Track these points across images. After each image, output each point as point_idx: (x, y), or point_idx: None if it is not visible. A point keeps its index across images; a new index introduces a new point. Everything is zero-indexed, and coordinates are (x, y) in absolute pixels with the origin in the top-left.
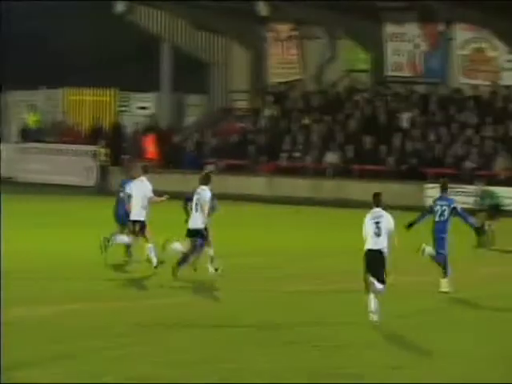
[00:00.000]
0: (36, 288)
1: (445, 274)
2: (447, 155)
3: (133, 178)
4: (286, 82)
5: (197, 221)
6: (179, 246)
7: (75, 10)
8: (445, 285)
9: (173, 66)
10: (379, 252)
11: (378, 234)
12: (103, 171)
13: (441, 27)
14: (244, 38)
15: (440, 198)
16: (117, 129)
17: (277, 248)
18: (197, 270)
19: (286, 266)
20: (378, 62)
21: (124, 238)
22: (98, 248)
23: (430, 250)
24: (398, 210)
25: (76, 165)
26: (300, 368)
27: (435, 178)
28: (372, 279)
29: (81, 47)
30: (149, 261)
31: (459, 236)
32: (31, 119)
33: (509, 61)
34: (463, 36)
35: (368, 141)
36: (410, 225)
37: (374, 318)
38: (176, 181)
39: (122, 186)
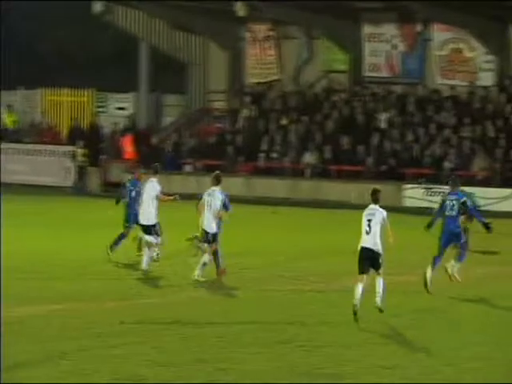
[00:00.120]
0: (20, 288)
1: (460, 260)
2: (425, 155)
3: (138, 178)
4: (263, 83)
5: (210, 222)
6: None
7: (53, 10)
8: (454, 268)
9: (151, 67)
10: (370, 250)
11: (368, 232)
12: (81, 172)
13: (418, 28)
14: (222, 38)
15: (451, 193)
16: (94, 129)
17: (254, 249)
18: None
19: (265, 267)
20: (356, 63)
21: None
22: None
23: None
24: None
25: (54, 165)
26: (284, 367)
27: (413, 179)
28: (360, 277)
29: (59, 48)
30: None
31: None
32: (9, 120)
33: (486, 61)
34: (441, 36)
35: (346, 141)
36: (429, 225)
37: (378, 301)
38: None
39: (133, 185)
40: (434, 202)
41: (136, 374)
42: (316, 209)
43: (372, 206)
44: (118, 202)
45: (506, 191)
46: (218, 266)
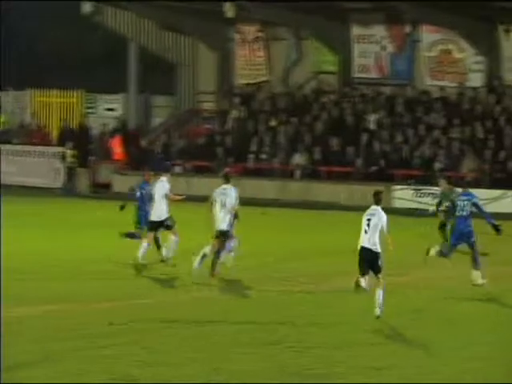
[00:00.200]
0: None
1: (476, 266)
2: (414, 157)
3: (147, 180)
4: (252, 84)
5: (224, 221)
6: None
7: (42, 11)
8: (477, 277)
9: (140, 67)
10: (369, 250)
11: (366, 231)
12: (70, 173)
13: (407, 29)
14: (211, 39)
15: (463, 194)
16: (84, 130)
17: (244, 250)
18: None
19: (254, 268)
20: (345, 64)
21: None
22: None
23: (436, 249)
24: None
25: (43, 166)
26: (274, 368)
27: (403, 180)
28: (360, 279)
29: (48, 48)
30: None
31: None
32: None
33: (476, 62)
34: (430, 38)
35: (335, 142)
36: (443, 225)
37: (378, 312)
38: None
39: (141, 187)
40: (423, 203)
41: (127, 374)
42: (305, 210)
43: (374, 206)
44: (122, 208)
45: (495, 192)
46: (213, 265)
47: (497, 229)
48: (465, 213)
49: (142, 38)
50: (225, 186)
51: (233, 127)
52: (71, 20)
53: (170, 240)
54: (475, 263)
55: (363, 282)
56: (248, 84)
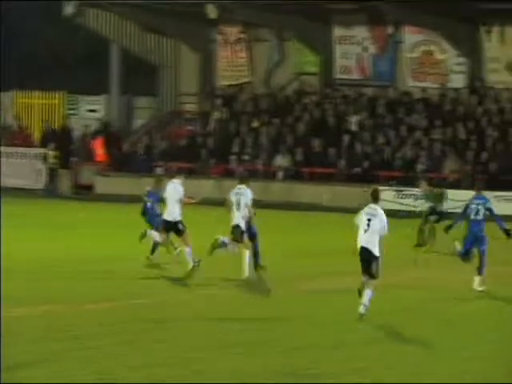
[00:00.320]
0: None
1: (480, 272)
2: (396, 158)
3: (158, 188)
4: (235, 85)
5: (239, 220)
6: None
7: (24, 12)
8: (480, 282)
9: (122, 69)
10: (367, 250)
11: (366, 230)
12: (52, 174)
13: (389, 30)
14: (193, 40)
15: (476, 197)
16: (65, 132)
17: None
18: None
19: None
20: (327, 65)
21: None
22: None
23: (458, 246)
24: (348, 213)
25: (25, 168)
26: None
27: (385, 181)
28: (364, 279)
29: (30, 50)
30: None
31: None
32: None
33: (458, 64)
34: (412, 39)
35: (317, 144)
36: (449, 227)
37: (362, 310)
38: (127, 184)
39: (149, 196)
40: (405, 204)
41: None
42: (288, 211)
43: (372, 205)
44: (144, 213)
45: None
46: (257, 262)
47: (508, 233)
48: (479, 217)
49: (124, 39)
50: (240, 186)
51: (215, 128)
52: (54, 21)
53: (183, 252)
54: (481, 269)
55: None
56: (230, 85)
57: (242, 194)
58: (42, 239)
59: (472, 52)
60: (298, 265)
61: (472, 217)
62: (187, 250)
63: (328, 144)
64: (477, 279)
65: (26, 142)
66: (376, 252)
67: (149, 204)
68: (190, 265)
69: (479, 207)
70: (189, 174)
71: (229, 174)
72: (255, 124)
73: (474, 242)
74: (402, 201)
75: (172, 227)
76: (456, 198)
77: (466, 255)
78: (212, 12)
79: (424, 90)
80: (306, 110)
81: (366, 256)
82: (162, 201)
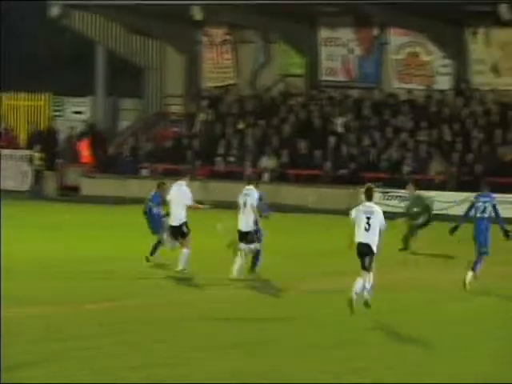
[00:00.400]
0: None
1: (475, 269)
2: (382, 159)
3: (162, 192)
4: (220, 87)
5: (247, 222)
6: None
7: (9, 13)
8: (470, 277)
9: (107, 70)
10: (368, 245)
11: (367, 229)
12: (38, 176)
13: (375, 32)
14: (179, 42)
15: (482, 195)
16: (51, 133)
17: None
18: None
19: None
20: (313, 67)
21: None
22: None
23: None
24: (333, 215)
25: (11, 169)
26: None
27: (370, 183)
28: (360, 278)
29: (16, 51)
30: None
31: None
32: None
33: (443, 65)
34: (397, 40)
35: (303, 145)
36: (455, 228)
37: (352, 295)
38: (112, 185)
39: (153, 200)
40: (391, 205)
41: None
42: (274, 213)
43: (367, 203)
44: (146, 213)
45: (462, 195)
46: (254, 264)
47: (507, 234)
48: (486, 214)
49: (109, 41)
50: (248, 187)
51: (200, 130)
52: (40, 23)
53: (181, 253)
54: (475, 266)
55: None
56: (216, 87)
57: (249, 195)
58: (31, 240)
59: (458, 54)
60: (284, 265)
61: (478, 215)
62: (185, 251)
63: (314, 146)
64: (470, 273)
65: (12, 144)
66: (375, 250)
67: (154, 209)
68: (180, 267)
69: (486, 205)
70: (174, 175)
71: (214, 176)
72: (241, 125)
73: (483, 239)
74: (387, 202)
75: (178, 231)
76: (442, 200)
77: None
78: (198, 14)
79: (410, 91)
80: (292, 112)
81: (365, 250)
82: (164, 203)
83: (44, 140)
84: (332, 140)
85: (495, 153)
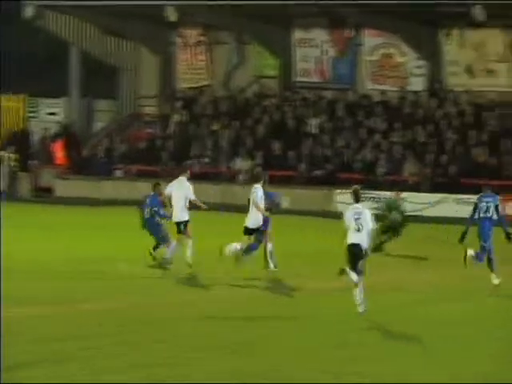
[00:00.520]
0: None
1: (492, 267)
2: (356, 160)
3: (159, 194)
4: (194, 88)
5: (253, 219)
6: (236, 245)
7: None
8: (494, 277)
9: (82, 72)
10: (359, 246)
11: (358, 230)
12: (12, 177)
13: (349, 33)
14: (153, 43)
15: (485, 195)
16: (25, 134)
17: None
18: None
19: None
20: (287, 68)
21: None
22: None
23: (471, 253)
24: (308, 216)
25: None
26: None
27: (345, 184)
28: (349, 271)
29: None
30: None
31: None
32: None
33: (417, 66)
34: (372, 42)
35: (277, 146)
36: (463, 237)
37: (360, 309)
38: (86, 187)
39: (152, 203)
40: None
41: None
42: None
43: (356, 205)
44: (143, 225)
45: (436, 196)
46: (267, 261)
47: (508, 237)
48: (489, 214)
49: (83, 42)
50: (255, 185)
51: (175, 131)
52: (13, 24)
53: (186, 246)
54: (476, 257)
55: (351, 273)
56: (190, 88)
57: (254, 193)
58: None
59: (431, 55)
60: (261, 266)
61: (482, 214)
62: (173, 243)
63: (288, 147)
64: (493, 275)
65: None
66: (365, 248)
67: (156, 217)
68: (165, 256)
69: (489, 205)
70: (149, 176)
71: (189, 177)
72: (215, 127)
73: (487, 237)
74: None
75: (180, 226)
76: (416, 201)
77: (483, 257)
78: (172, 15)
79: (383, 92)
80: (266, 113)
81: (357, 251)
82: (163, 205)
83: (18, 141)
84: (306, 141)
85: (469, 154)
